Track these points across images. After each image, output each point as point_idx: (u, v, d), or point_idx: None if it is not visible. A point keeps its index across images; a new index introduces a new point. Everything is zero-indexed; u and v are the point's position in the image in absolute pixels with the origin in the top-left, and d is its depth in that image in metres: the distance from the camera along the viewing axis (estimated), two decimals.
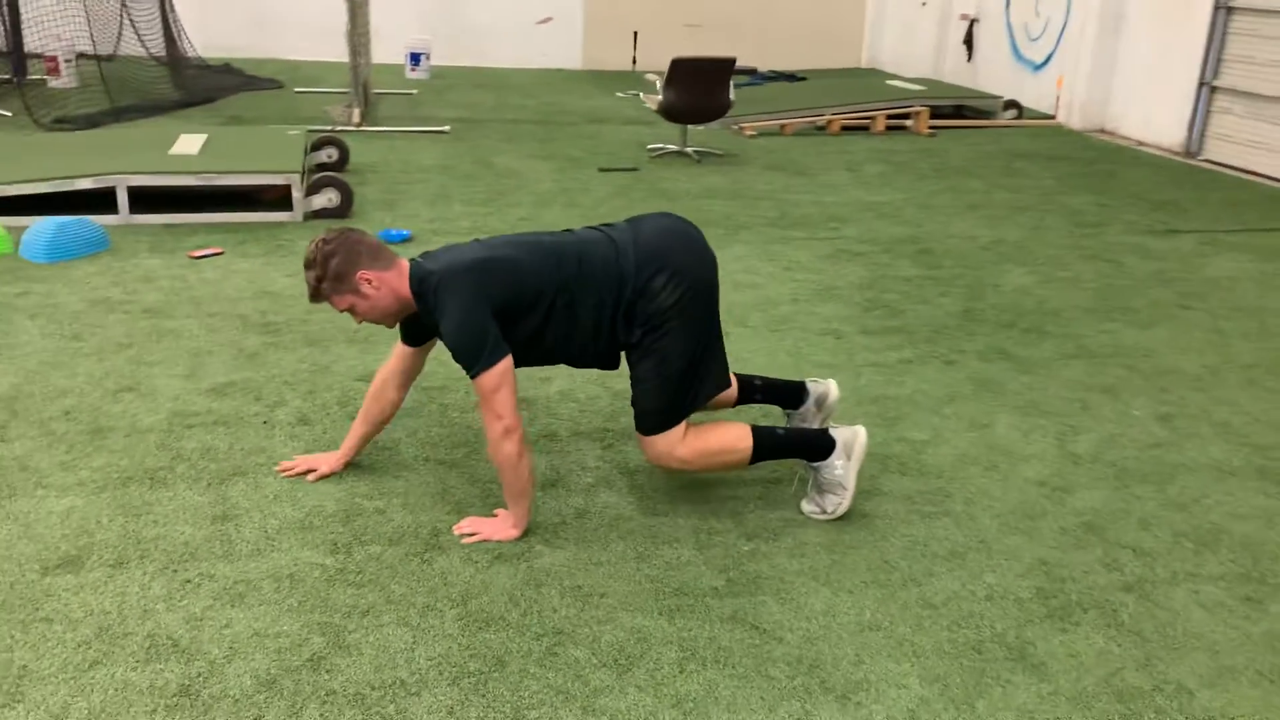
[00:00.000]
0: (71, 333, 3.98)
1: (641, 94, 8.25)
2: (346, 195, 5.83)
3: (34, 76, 10.16)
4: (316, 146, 6.98)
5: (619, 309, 2.66)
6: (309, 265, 2.63)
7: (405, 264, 2.68)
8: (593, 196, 6.67)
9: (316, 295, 2.65)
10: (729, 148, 8.50)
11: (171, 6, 11.02)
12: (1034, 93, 10.75)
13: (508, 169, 7.41)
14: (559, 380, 3.72)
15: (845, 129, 9.57)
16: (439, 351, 2.89)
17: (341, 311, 2.69)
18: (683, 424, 2.74)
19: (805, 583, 2.57)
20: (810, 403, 3.20)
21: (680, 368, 2.69)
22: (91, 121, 8.17)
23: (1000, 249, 5.70)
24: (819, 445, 2.84)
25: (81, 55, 10.46)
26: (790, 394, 3.20)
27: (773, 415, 3.41)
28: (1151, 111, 9.23)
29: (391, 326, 2.79)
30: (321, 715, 2.08)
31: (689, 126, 8.16)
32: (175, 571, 2.52)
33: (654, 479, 3.04)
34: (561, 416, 3.44)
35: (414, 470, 3.05)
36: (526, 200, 6.49)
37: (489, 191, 6.66)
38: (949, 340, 4.27)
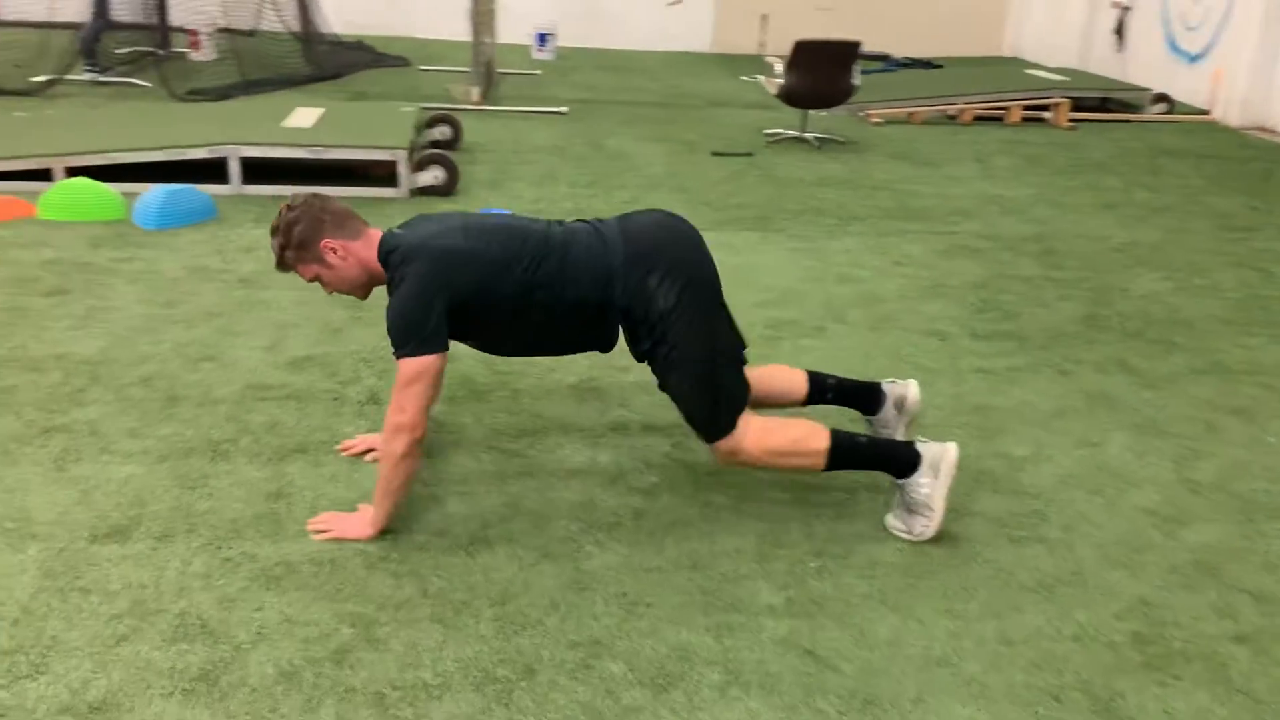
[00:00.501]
0: (166, 299, 4.03)
1: (762, 77, 8.00)
2: (452, 172, 5.79)
3: (177, 49, 10.53)
4: (430, 124, 6.99)
5: (607, 307, 2.52)
6: (273, 232, 2.55)
7: (375, 234, 2.58)
8: (702, 181, 6.48)
9: (281, 264, 2.56)
10: (852, 135, 8.18)
11: None
12: (1187, 86, 10.05)
13: (619, 151, 7.28)
14: (636, 370, 3.56)
15: (978, 119, 9.13)
16: None
17: (309, 281, 2.59)
18: (743, 420, 2.55)
19: (872, 607, 2.36)
20: (889, 406, 2.95)
21: (706, 370, 2.53)
22: (222, 94, 8.38)
23: (1134, 251, 5.29)
24: (903, 459, 2.60)
25: (223, 30, 10.79)
26: (866, 396, 2.96)
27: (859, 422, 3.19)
28: None
29: (363, 298, 2.67)
30: (338, 714, 1.98)
31: (810, 112, 7.89)
32: (218, 549, 2.47)
33: (721, 481, 2.86)
34: (634, 408, 3.29)
35: (475, 456, 2.95)
36: (633, 183, 6.35)
37: (596, 173, 6.55)
38: (1065, 348, 3.95)
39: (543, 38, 12.20)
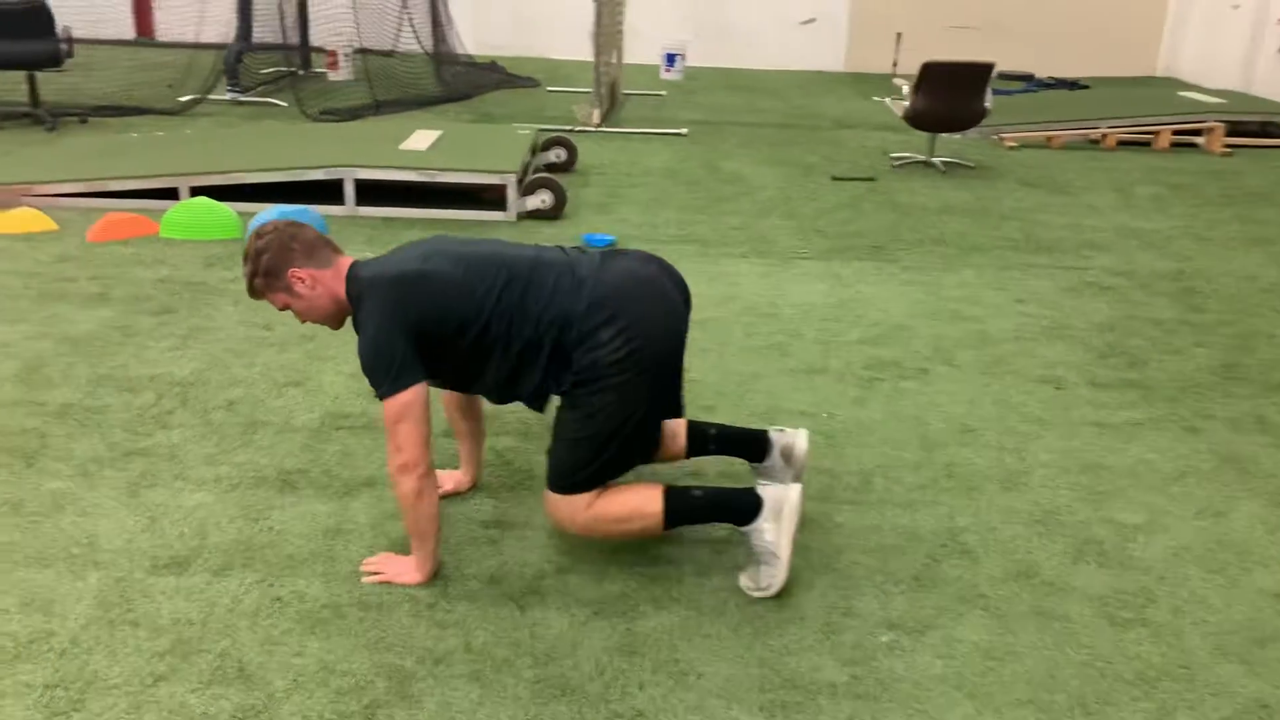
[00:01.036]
0: (264, 321, 4.08)
1: (888, 99, 7.75)
2: (560, 197, 5.76)
3: (316, 70, 10.90)
4: (546, 146, 6.99)
5: (558, 349, 2.34)
6: (245, 260, 2.46)
7: (346, 263, 2.48)
8: (816, 206, 6.28)
9: (252, 291, 2.48)
10: (983, 159, 7.84)
11: (445, 6, 11.51)
12: None
13: (734, 174, 7.14)
14: (717, 413, 3.41)
15: (1123, 144, 8.63)
16: None
17: (281, 310, 2.52)
18: (592, 492, 2.40)
19: (946, 692, 2.16)
20: (775, 455, 2.75)
21: (605, 432, 2.35)
22: (353, 114, 8.60)
23: None
24: (743, 506, 2.44)
25: (360, 51, 11.12)
26: (751, 445, 2.77)
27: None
28: None
29: (336, 329, 2.55)
30: None
31: (940, 135, 7.59)
32: (270, 585, 2.43)
33: (799, 541, 2.68)
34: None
35: (540, 498, 2.84)
36: (744, 208, 6.19)
37: (708, 198, 6.42)
38: (1197, 401, 3.61)
39: (671, 58, 12.17)
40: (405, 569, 2.47)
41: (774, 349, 3.99)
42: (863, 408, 3.49)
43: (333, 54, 10.63)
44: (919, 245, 5.50)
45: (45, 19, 7.54)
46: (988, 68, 7.08)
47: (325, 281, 2.45)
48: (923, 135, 7.78)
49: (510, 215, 5.72)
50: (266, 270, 2.43)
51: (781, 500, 2.42)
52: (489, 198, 5.86)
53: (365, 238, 5.27)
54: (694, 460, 2.94)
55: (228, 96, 9.21)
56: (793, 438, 2.77)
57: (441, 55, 11.00)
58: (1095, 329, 4.31)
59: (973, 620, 2.39)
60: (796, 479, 2.77)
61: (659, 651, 2.25)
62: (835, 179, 7.10)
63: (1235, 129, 8.68)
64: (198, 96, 8.87)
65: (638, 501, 2.42)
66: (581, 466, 2.38)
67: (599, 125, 8.58)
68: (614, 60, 10.01)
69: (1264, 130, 9.08)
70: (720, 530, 2.71)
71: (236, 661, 2.18)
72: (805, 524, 2.74)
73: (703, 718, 2.06)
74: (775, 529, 2.40)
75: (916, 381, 3.72)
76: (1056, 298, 4.70)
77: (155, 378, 3.54)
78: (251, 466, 2.98)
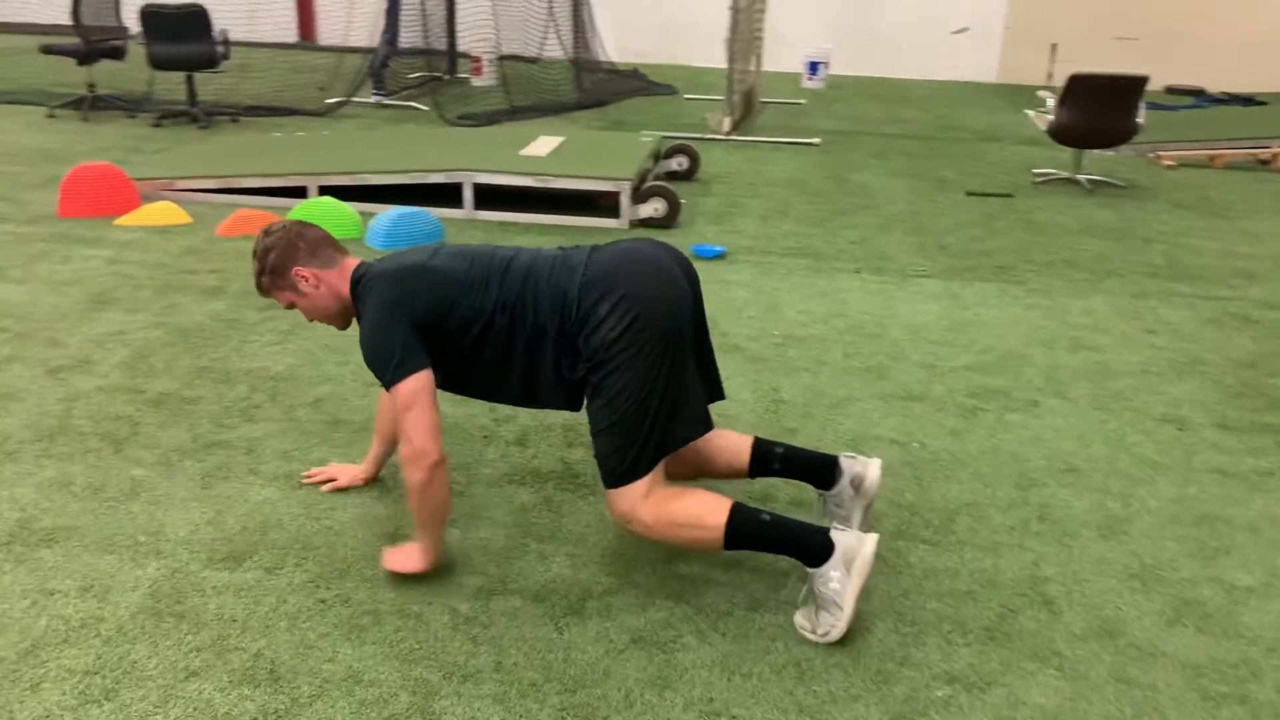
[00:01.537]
0: None
1: (1032, 112, 7.38)
2: (673, 205, 5.68)
3: (461, 75, 11.15)
4: (668, 154, 6.93)
5: (562, 337, 2.30)
6: (253, 257, 2.51)
7: (351, 263, 2.50)
8: (944, 222, 6.02)
9: (260, 289, 2.53)
10: (1135, 178, 7.37)
11: (590, 13, 11.62)
12: None
13: (862, 186, 6.92)
14: (799, 436, 3.27)
15: None
16: None
17: (288, 308, 2.56)
18: (646, 479, 2.28)
19: None
20: (844, 484, 2.58)
21: (632, 410, 2.24)
22: (489, 119, 8.74)
23: None
24: (813, 546, 2.28)
25: (506, 57, 11.32)
26: (819, 470, 2.60)
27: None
28: None
29: (342, 328, 2.58)
30: None
31: (1089, 151, 7.18)
32: (317, 587, 2.43)
33: (870, 579, 2.52)
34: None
35: (601, 513, 2.77)
36: (866, 222, 5.98)
37: (830, 210, 6.23)
38: None
39: (814, 66, 11.97)
40: (408, 557, 2.45)
41: (872, 371, 3.80)
42: (959, 440, 3.28)
43: (477, 60, 10.85)
44: (1049, 267, 5.19)
45: (203, 22, 7.93)
46: (1140, 81, 6.65)
47: (329, 281, 2.48)
48: (1069, 151, 7.37)
49: (623, 223, 5.68)
50: (273, 268, 2.48)
51: (855, 550, 2.27)
52: (604, 204, 5.83)
53: (480, 241, 5.31)
54: (761, 482, 2.82)
55: (372, 99, 9.50)
56: (864, 467, 2.60)
57: (582, 62, 11.09)
58: (1233, 365, 3.96)
59: (1043, 680, 2.19)
60: (866, 510, 2.62)
61: (693, 688, 2.14)
62: (969, 194, 6.79)
63: None
64: (343, 99, 9.18)
65: (701, 510, 2.29)
66: (622, 453, 2.28)
67: (729, 133, 8.47)
68: (752, 68, 9.88)
69: None
70: (785, 561, 2.57)
71: (269, 662, 2.18)
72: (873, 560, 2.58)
73: None
74: (843, 578, 2.26)
75: (1023, 414, 3.48)
76: (1194, 329, 4.35)
77: (251, 371, 3.63)
78: (321, 464, 3.00)
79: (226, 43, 8.27)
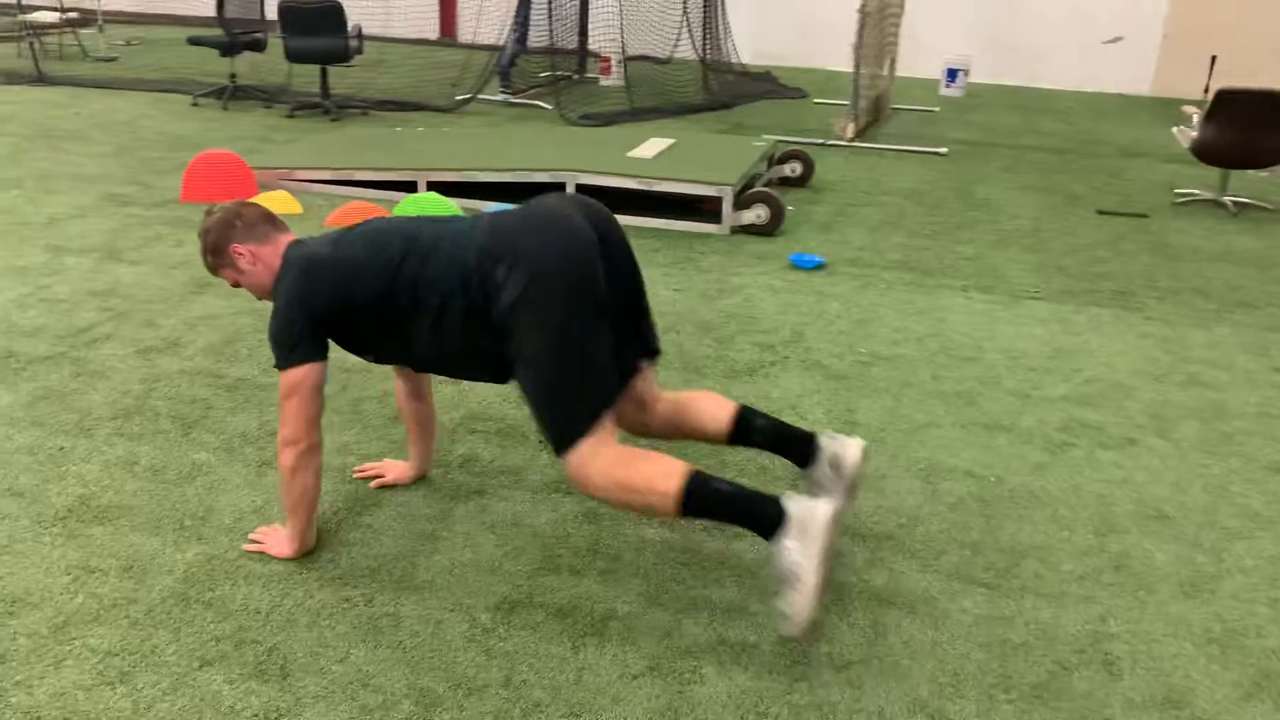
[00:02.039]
0: None
1: (1177, 129, 6.92)
2: (777, 212, 5.54)
3: (590, 75, 11.21)
4: (782, 159, 6.78)
5: (470, 311, 2.25)
6: (199, 237, 2.56)
7: (285, 241, 2.51)
8: (1068, 242, 5.69)
9: (208, 269, 2.57)
10: None
11: (724, 14, 11.51)
12: None
13: (985, 200, 6.62)
14: (868, 461, 3.11)
15: None
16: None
17: (233, 287, 2.57)
18: (591, 440, 2.19)
19: None
20: (823, 464, 2.48)
21: (551, 371, 2.20)
22: (609, 120, 8.74)
23: None
24: (766, 517, 2.17)
25: (636, 57, 11.32)
26: (797, 446, 2.51)
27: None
28: None
29: None
30: None
31: (1237, 171, 6.70)
32: (345, 584, 2.42)
33: (910, 611, 2.37)
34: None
35: (642, 529, 2.68)
36: (983, 237, 5.71)
37: (946, 224, 5.97)
38: None
39: (952, 73, 11.58)
40: (279, 542, 2.51)
41: (960, 397, 3.60)
42: (1040, 476, 3.07)
43: (606, 59, 10.88)
44: (1174, 295, 4.84)
45: (337, 17, 8.16)
46: None
47: (264, 258, 2.50)
48: (1217, 171, 6.90)
49: (724, 229, 5.57)
50: (212, 248, 2.52)
51: (809, 516, 2.14)
52: (709, 209, 5.73)
53: None
54: (743, 453, 2.75)
55: (499, 97, 9.62)
56: (843, 447, 2.49)
57: (712, 64, 11.00)
58: None
59: None
60: (848, 492, 2.50)
61: None
62: (1100, 213, 6.42)
63: None
64: (469, 96, 9.33)
65: (655, 473, 2.19)
66: (555, 416, 2.22)
67: (852, 140, 8.25)
68: (884, 73, 9.62)
69: None
70: (826, 595, 2.44)
71: (282, 658, 2.17)
72: (921, 602, 2.43)
73: None
74: (801, 548, 2.13)
75: (1117, 452, 3.23)
76: None
77: (332, 360, 3.66)
78: (376, 459, 3.00)
79: (360, 37, 8.50)
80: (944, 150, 8.16)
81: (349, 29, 8.29)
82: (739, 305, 4.46)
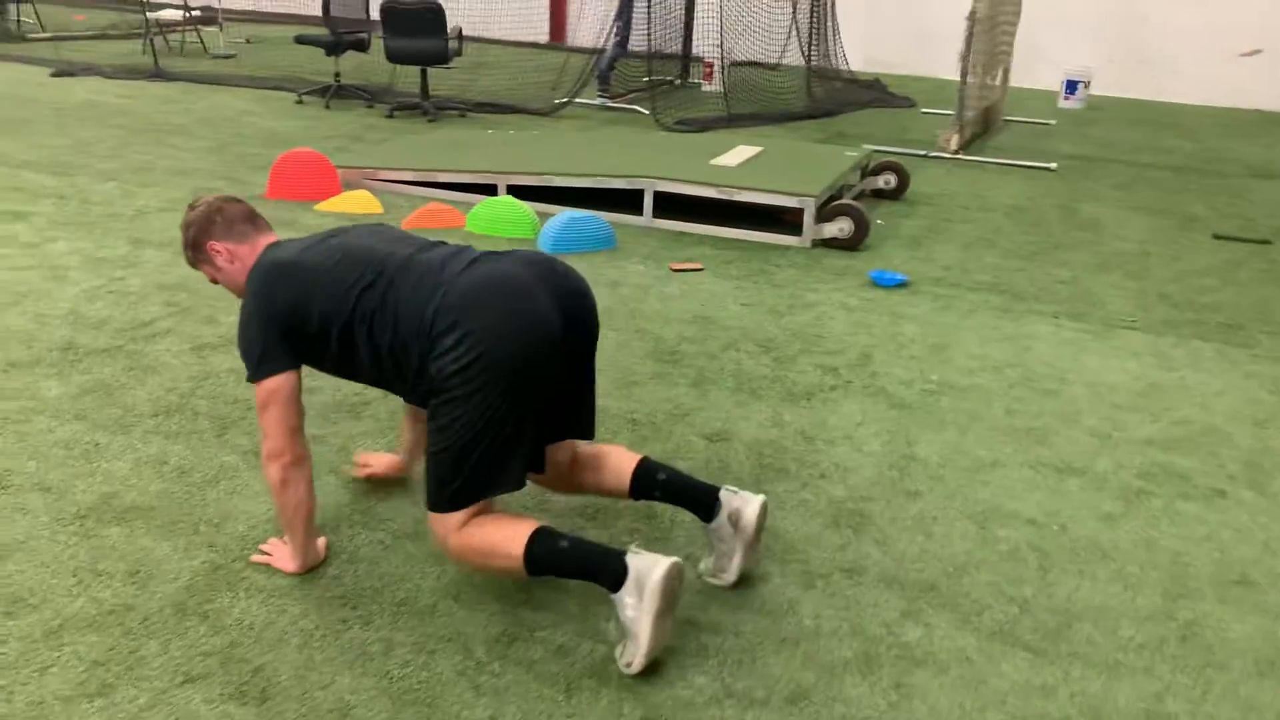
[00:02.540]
0: None
1: None
2: (861, 226, 5.31)
3: (694, 80, 11.07)
4: (876, 171, 6.53)
5: (415, 360, 2.19)
6: (181, 230, 2.51)
7: (264, 242, 2.45)
8: (1177, 268, 5.31)
9: (189, 263, 2.53)
10: None
11: (834, 20, 11.25)
12: None
13: (1090, 219, 6.24)
14: (919, 500, 2.89)
15: None
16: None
17: (213, 284, 2.55)
18: (462, 513, 2.19)
19: None
20: (722, 518, 2.39)
21: (459, 446, 2.14)
22: (703, 126, 8.59)
23: None
24: (609, 571, 2.13)
25: (742, 63, 11.15)
26: (697, 500, 2.44)
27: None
28: None
29: None
30: None
31: None
32: (345, 603, 2.33)
33: (943, 685, 2.17)
34: (891, 546, 2.65)
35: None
36: (1082, 260, 5.37)
37: (1044, 244, 5.64)
38: None
39: (1072, 85, 11.08)
40: (285, 557, 2.45)
41: (1032, 434, 3.35)
42: (1110, 526, 2.81)
43: (709, 65, 10.73)
44: None
45: (438, 19, 8.21)
46: None
47: (241, 257, 2.44)
48: None
49: (804, 241, 5.36)
50: (191, 242, 2.48)
51: (646, 574, 2.09)
52: (791, 221, 5.54)
53: (647, 252, 5.16)
54: (648, 505, 2.64)
55: (597, 101, 9.56)
56: (742, 502, 2.39)
57: (818, 70, 10.74)
58: None
59: None
60: (748, 548, 2.41)
61: None
62: (1217, 237, 5.99)
63: None
64: (566, 100, 9.29)
65: (502, 538, 2.18)
66: (444, 483, 2.19)
67: (956, 152, 7.92)
68: (996, 82, 9.23)
69: None
70: (849, 649, 2.25)
71: (266, 680, 2.09)
72: (955, 663, 2.22)
73: None
74: (636, 604, 2.10)
75: (1201, 505, 2.95)
76: None
77: None
78: (374, 480, 2.92)
79: (460, 39, 8.54)
80: (1053, 165, 7.76)
81: (449, 30, 8.33)
82: (807, 323, 4.26)
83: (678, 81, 11.00)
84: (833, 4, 11.17)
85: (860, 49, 12.41)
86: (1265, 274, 5.30)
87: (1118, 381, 3.81)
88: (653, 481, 2.45)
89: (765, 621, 2.35)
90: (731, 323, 4.23)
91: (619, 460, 2.47)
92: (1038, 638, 2.33)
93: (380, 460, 2.85)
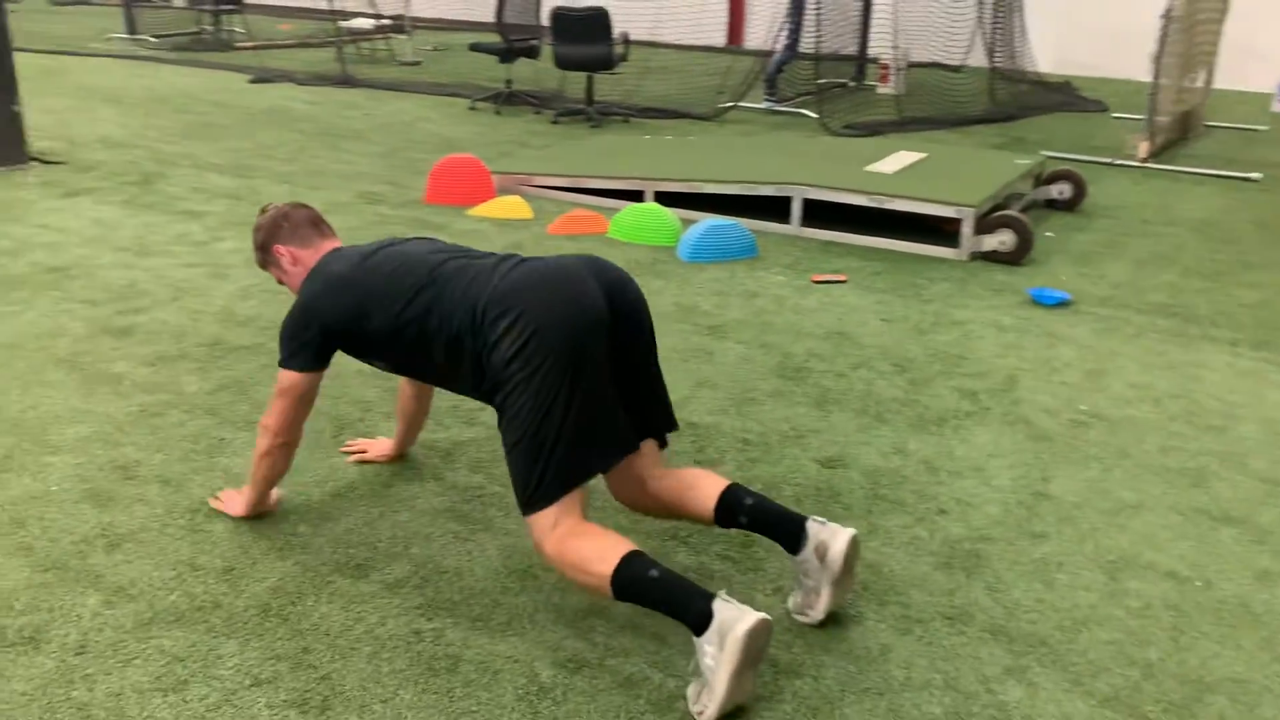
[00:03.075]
0: None
1: None
2: (1024, 239, 4.98)
3: (869, 82, 10.75)
4: (1049, 179, 6.13)
5: (472, 353, 2.22)
6: (252, 234, 2.70)
7: (327, 246, 2.60)
8: None
9: (258, 264, 2.71)
10: None
11: (1022, 19, 10.71)
12: None
13: None
14: (1043, 543, 2.64)
15: None
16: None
17: (279, 284, 2.69)
18: (553, 510, 2.13)
19: None
20: (808, 551, 2.25)
21: (530, 434, 2.12)
22: (872, 130, 8.31)
23: None
24: (693, 613, 2.02)
25: (922, 64, 10.77)
26: (783, 530, 2.29)
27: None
28: None
29: None
30: None
31: None
32: (421, 613, 2.32)
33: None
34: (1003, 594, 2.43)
35: (772, 599, 2.41)
36: (1276, 282, 4.87)
37: (1233, 263, 5.15)
38: None
39: None
40: (234, 502, 2.69)
41: (1186, 475, 3.03)
42: (1266, 586, 2.50)
43: (885, 66, 10.40)
44: None
45: (604, 25, 8.26)
46: None
47: (304, 260, 2.58)
48: None
49: (962, 253, 5.08)
50: (260, 245, 2.65)
51: (730, 625, 1.97)
52: (951, 231, 5.26)
53: (790, 261, 5.01)
54: (742, 533, 2.48)
55: (763, 105, 9.41)
56: (830, 535, 2.24)
57: (1002, 72, 10.24)
58: None
59: None
60: (836, 585, 2.26)
61: None
62: None
63: None
64: (730, 104, 9.18)
65: (595, 553, 2.10)
66: (525, 478, 2.16)
67: (1145, 160, 7.36)
68: (1198, 84, 8.55)
69: None
70: (935, 708, 2.07)
71: (330, 689, 2.10)
72: None
73: None
74: (716, 653, 1.98)
75: None
76: None
77: None
78: (473, 487, 2.90)
79: (626, 43, 8.57)
80: (1257, 176, 7.11)
81: (614, 36, 8.37)
82: (952, 343, 4.02)
83: (851, 84, 10.71)
84: (1020, 2, 10.63)
85: (1052, 49, 11.78)
86: None
87: None
88: (739, 507, 2.32)
89: (851, 667, 2.19)
90: (868, 340, 4.03)
91: (706, 484, 2.36)
92: (1159, 709, 2.08)
93: (373, 445, 3.02)
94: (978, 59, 10.52)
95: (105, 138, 7.40)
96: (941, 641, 2.28)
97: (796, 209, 5.41)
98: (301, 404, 2.51)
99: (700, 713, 2.02)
